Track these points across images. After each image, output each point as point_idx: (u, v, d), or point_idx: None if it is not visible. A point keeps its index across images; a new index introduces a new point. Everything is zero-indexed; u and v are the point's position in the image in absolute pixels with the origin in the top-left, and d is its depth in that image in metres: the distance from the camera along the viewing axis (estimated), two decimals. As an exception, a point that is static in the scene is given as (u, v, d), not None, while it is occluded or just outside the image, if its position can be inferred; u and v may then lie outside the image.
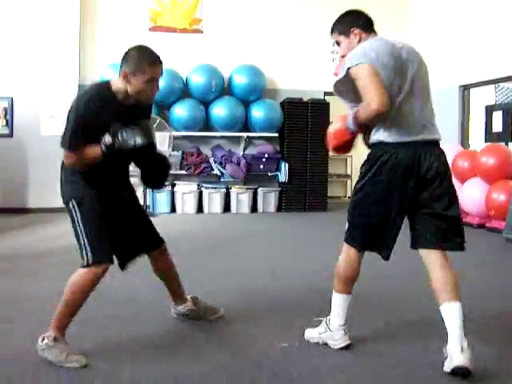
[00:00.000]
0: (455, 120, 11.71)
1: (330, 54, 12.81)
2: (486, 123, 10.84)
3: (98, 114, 3.47)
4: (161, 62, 3.59)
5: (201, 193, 11.71)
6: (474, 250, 7.56)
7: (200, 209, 11.65)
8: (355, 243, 3.57)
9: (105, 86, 3.66)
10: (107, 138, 3.44)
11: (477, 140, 11.68)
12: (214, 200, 11.58)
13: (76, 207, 3.67)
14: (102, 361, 3.42)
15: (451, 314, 3.28)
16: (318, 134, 11.99)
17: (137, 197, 4.04)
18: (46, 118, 11.35)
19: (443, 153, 3.55)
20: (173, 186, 11.53)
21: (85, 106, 3.52)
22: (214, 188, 11.60)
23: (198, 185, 11.74)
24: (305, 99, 12.12)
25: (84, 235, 3.54)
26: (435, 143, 3.51)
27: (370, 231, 3.50)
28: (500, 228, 8.73)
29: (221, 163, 11.67)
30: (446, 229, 3.43)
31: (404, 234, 3.51)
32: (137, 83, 3.52)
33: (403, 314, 4.51)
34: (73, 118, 3.57)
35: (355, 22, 3.65)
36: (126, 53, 3.67)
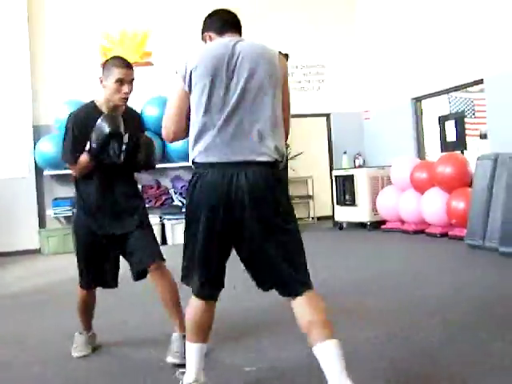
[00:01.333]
0: (410, 132, 11.86)
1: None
2: (441, 133, 11.03)
3: (85, 127, 3.84)
4: (130, 66, 4.09)
5: (163, 225, 11.66)
6: (438, 258, 7.79)
7: (164, 241, 11.56)
8: None
9: (89, 103, 4.07)
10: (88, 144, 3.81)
11: (434, 151, 11.87)
12: (177, 231, 11.48)
13: (73, 235, 4.23)
14: None
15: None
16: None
17: (136, 216, 4.10)
18: (1, 162, 11.22)
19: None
20: (135, 219, 11.44)
21: (72, 122, 3.97)
22: (177, 219, 11.54)
23: (160, 217, 11.68)
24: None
25: (77, 260, 4.10)
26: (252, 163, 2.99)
27: None
28: (462, 235, 8.82)
29: (181, 194, 11.65)
30: None
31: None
32: (108, 84, 3.96)
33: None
34: (64, 134, 4.01)
35: (208, 26, 3.30)
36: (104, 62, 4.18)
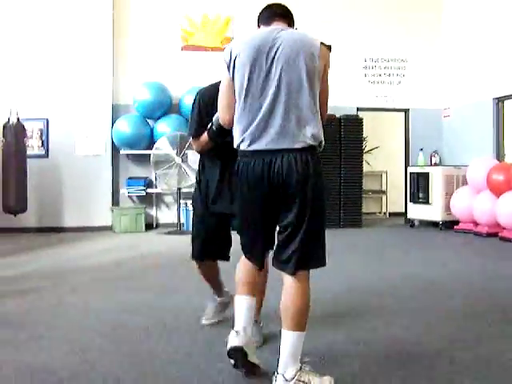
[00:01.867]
0: (490, 133, 11.57)
1: (362, 69, 12.84)
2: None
3: (210, 105, 3.89)
4: None
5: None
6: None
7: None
8: None
9: (218, 82, 3.73)
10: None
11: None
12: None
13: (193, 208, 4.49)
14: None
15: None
16: (352, 150, 11.98)
17: None
18: (81, 139, 11.47)
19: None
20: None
21: (198, 98, 4.16)
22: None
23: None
24: (338, 115, 12.07)
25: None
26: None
27: None
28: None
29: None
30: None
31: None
32: None
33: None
34: (191, 109, 4.20)
35: (259, 19, 3.41)
36: None
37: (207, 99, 4.02)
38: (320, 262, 3.12)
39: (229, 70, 3.12)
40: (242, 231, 3.35)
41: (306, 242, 3.03)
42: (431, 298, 5.52)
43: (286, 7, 3.39)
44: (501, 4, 11.24)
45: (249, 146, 3.08)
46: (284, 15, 3.33)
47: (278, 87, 3.02)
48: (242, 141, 3.10)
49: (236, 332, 3.28)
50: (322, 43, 3.12)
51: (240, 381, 3.31)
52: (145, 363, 3.61)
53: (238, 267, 3.44)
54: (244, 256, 3.38)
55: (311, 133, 3.06)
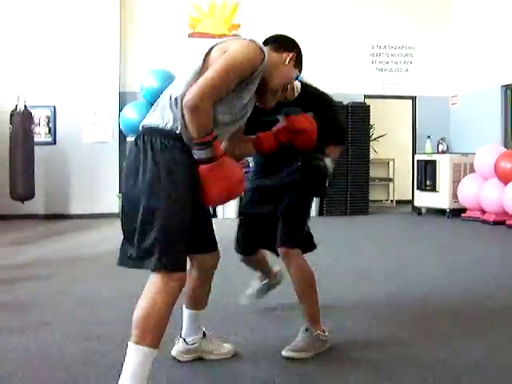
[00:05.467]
0: (497, 120, 11.53)
1: (369, 56, 12.81)
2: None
3: None
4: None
5: (241, 198, 11.63)
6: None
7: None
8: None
9: None
10: None
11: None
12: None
13: None
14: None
15: None
16: (359, 138, 11.98)
17: None
18: (88, 126, 11.49)
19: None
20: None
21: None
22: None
23: (239, 190, 11.69)
24: (345, 103, 12.05)
25: None
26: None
27: None
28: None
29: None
30: None
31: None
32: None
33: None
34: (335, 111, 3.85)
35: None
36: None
37: None
38: None
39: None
40: None
41: None
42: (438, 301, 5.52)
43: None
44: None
45: None
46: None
47: None
48: None
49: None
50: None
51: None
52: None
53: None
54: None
55: None
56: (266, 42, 3.14)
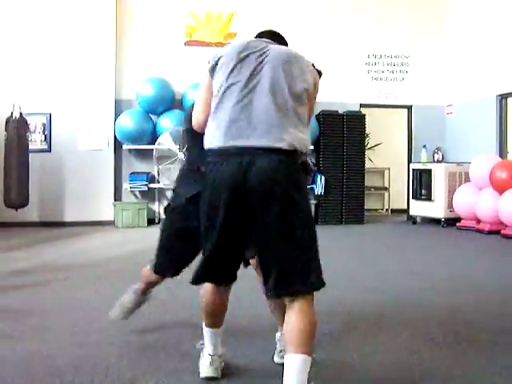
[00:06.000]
0: (493, 130, 11.55)
1: (365, 65, 12.83)
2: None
3: None
4: None
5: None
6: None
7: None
8: None
9: None
10: None
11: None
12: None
13: None
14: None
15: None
16: (355, 146, 12.01)
17: None
18: (84, 133, 11.47)
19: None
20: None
21: None
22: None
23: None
24: (340, 111, 12.06)
25: None
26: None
27: None
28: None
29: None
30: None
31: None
32: None
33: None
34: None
35: None
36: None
37: None
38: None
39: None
40: None
41: None
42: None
43: (277, 33, 3.36)
44: (504, 1, 11.21)
45: None
46: (273, 36, 3.25)
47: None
48: None
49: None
50: (313, 65, 3.15)
51: None
52: (152, 356, 3.63)
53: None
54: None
55: None
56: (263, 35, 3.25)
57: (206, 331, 3.27)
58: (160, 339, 4.03)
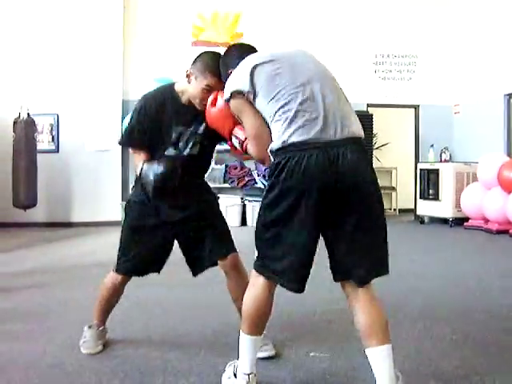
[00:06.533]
0: (501, 129, 11.52)
1: (372, 65, 12.81)
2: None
3: (158, 113, 3.49)
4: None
5: (244, 206, 11.73)
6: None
7: (244, 222, 11.66)
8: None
9: (168, 86, 3.60)
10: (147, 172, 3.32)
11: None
12: (257, 213, 11.41)
13: None
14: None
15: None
16: (362, 146, 11.99)
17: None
18: (91, 134, 11.49)
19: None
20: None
21: (144, 103, 3.59)
22: (258, 201, 11.56)
23: (242, 198, 11.77)
24: (348, 111, 12.06)
25: None
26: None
27: None
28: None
29: (264, 176, 11.65)
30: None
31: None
32: (196, 86, 3.32)
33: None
34: (132, 115, 3.63)
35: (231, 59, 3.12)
36: (198, 56, 3.42)
37: (157, 105, 3.58)
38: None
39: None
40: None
41: None
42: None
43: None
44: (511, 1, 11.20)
45: None
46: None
47: None
48: None
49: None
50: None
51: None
52: (153, 359, 3.63)
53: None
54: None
55: None
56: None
57: (248, 341, 2.91)
58: (167, 340, 4.03)
